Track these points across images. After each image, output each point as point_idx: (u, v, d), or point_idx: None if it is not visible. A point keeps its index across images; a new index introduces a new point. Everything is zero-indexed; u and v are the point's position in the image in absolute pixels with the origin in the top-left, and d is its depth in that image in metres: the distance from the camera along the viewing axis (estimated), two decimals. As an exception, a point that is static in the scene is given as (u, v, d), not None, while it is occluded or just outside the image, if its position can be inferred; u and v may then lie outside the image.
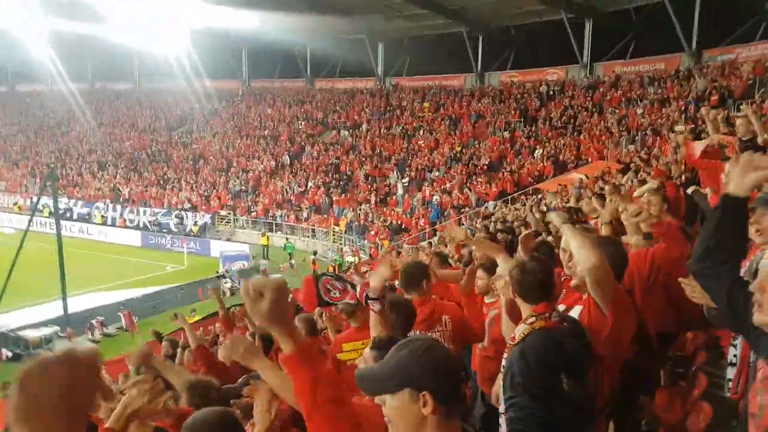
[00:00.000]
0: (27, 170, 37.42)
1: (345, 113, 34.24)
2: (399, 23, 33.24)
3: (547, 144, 24.06)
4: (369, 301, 2.49)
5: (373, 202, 26.04)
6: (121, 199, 31.25)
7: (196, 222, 27.47)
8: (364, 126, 32.32)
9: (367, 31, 34.13)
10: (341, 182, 28.10)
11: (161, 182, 32.20)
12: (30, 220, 16.57)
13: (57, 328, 14.47)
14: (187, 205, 29.17)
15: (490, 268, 3.54)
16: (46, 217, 27.15)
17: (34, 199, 31.70)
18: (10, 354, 13.67)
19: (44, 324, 14.68)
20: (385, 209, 25.47)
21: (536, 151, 23.99)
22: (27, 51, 47.93)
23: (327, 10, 31.77)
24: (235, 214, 28.22)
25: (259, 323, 1.45)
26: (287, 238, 25.09)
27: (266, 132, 34.58)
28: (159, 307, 16.51)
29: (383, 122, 31.93)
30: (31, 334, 14.16)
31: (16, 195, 34.15)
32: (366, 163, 28.99)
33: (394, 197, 26.29)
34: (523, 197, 20.15)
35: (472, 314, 3.56)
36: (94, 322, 15.27)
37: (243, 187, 30.03)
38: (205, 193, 29.93)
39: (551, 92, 27.74)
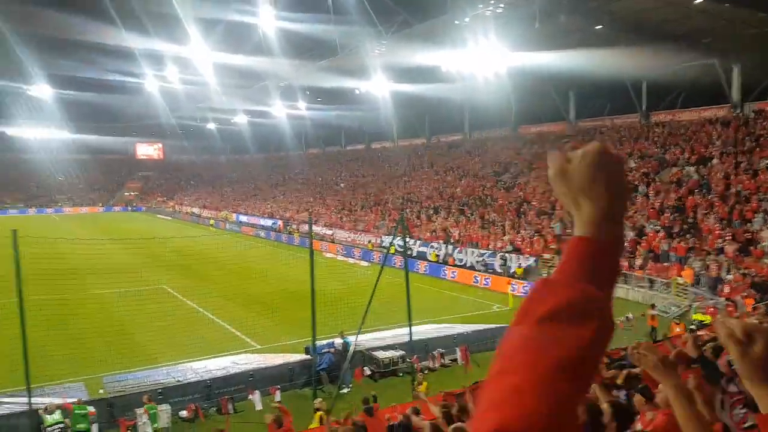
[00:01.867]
0: (378, 214, 44.30)
1: (689, 147, 29.84)
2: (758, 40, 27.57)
3: None
4: None
5: (729, 250, 21.49)
6: (451, 240, 33.83)
7: (519, 264, 27.54)
8: (715, 161, 27.45)
9: (719, 55, 29.39)
10: (685, 226, 24.20)
11: (486, 225, 33.67)
12: (385, 256, 19.00)
13: (403, 352, 16.02)
14: (509, 248, 29.58)
15: None
16: (392, 253, 31.35)
17: (384, 238, 37.22)
18: (368, 372, 15.68)
19: (392, 347, 16.46)
20: (746, 260, 20.69)
21: None
22: (378, 114, 57.93)
23: (666, 39, 28.65)
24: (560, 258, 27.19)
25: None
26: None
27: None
28: (489, 344, 16.74)
29: (740, 155, 26.53)
30: (382, 354, 16.03)
31: (369, 234, 40.66)
32: (718, 204, 24.36)
33: (758, 246, 21.18)
34: None
35: None
36: (435, 352, 16.41)
37: (567, 230, 28.87)
38: (529, 236, 29.85)
39: None
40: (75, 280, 25.85)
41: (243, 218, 58.99)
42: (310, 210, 51.36)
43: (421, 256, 33.52)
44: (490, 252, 29.90)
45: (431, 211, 40.16)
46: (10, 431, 11.57)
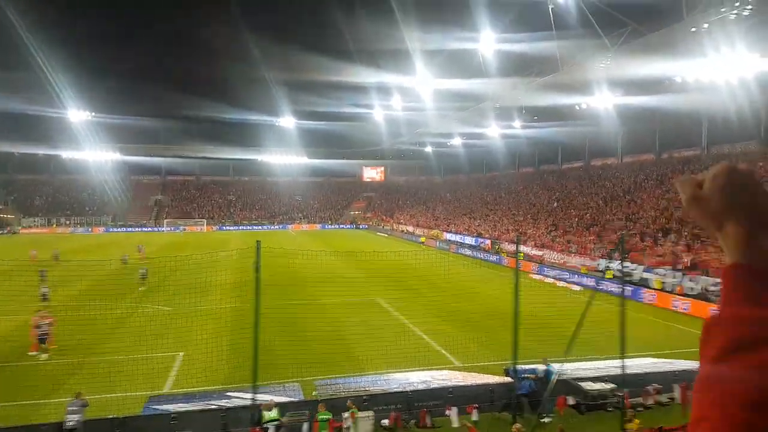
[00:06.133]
0: (595, 235, 41.07)
1: None
2: None
3: None
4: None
5: None
6: (681, 267, 29.60)
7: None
8: None
9: None
10: None
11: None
12: (598, 281, 17.54)
13: (613, 385, 14.49)
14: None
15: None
16: (608, 278, 28.78)
17: (601, 261, 34.33)
18: (572, 402, 14.56)
19: (602, 379, 14.99)
20: None
21: None
22: (601, 130, 54.02)
23: None
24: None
25: None
26: None
27: None
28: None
29: None
30: (590, 386, 14.70)
31: (583, 256, 37.91)
32: None
33: None
34: None
35: None
36: (650, 388, 14.55)
37: None
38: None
39: None
40: (302, 287, 29.55)
41: (452, 236, 60.44)
42: (518, 230, 50.16)
43: (644, 283, 30.00)
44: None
45: (659, 234, 35.73)
46: (234, 423, 13.09)
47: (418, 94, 56.76)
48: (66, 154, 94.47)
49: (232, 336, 20.36)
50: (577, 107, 48.71)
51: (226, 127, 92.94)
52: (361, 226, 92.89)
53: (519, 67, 43.42)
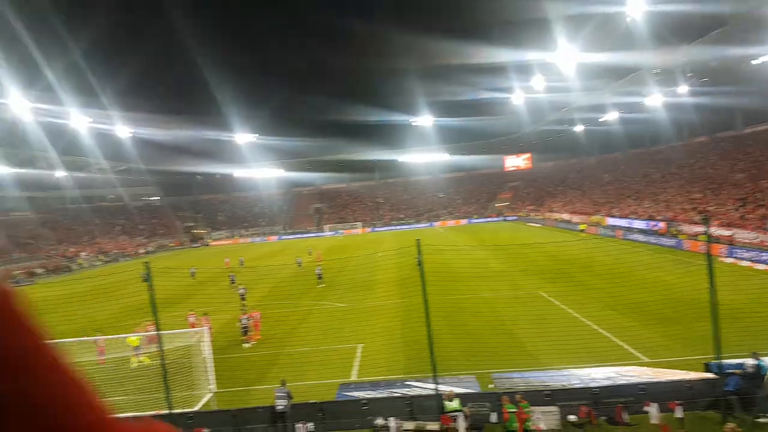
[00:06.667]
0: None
1: None
2: None
3: None
4: None
5: None
6: None
7: None
8: None
9: None
10: None
11: None
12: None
13: None
14: None
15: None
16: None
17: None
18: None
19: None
20: None
21: None
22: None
23: None
24: None
25: None
26: None
27: None
28: None
29: None
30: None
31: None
32: None
33: None
34: None
35: None
36: None
37: None
38: None
39: None
40: (460, 282, 29.64)
41: (616, 221, 56.05)
42: (696, 208, 44.87)
43: None
44: None
45: None
46: (420, 410, 13.72)
47: (561, 72, 53.69)
48: (237, 173, 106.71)
49: (403, 329, 21.30)
50: (752, 62, 42.18)
51: (369, 133, 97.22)
52: (509, 218, 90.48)
53: (677, 27, 38.88)
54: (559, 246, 35.66)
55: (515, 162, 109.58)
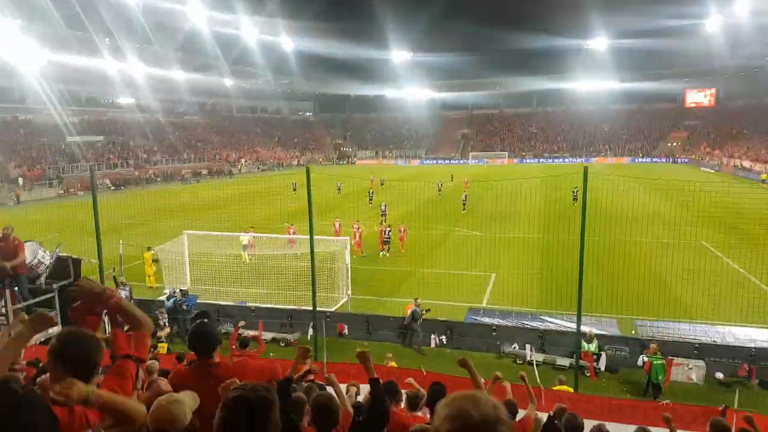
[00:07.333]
0: None
1: None
2: None
3: None
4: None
5: None
6: None
7: None
8: None
9: None
10: None
11: None
12: None
13: None
14: None
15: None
16: None
17: None
18: None
19: None
20: None
21: None
22: None
23: None
24: None
25: None
26: None
27: None
28: None
29: None
30: None
31: None
32: None
33: None
34: None
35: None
36: None
37: None
38: None
39: None
40: (616, 223, 27.49)
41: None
42: None
43: None
44: None
45: None
46: (552, 344, 13.46)
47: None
48: (389, 93, 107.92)
49: (542, 264, 20.64)
50: None
51: (530, 56, 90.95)
52: (679, 160, 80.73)
53: None
54: (733, 196, 31.10)
55: (697, 98, 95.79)
